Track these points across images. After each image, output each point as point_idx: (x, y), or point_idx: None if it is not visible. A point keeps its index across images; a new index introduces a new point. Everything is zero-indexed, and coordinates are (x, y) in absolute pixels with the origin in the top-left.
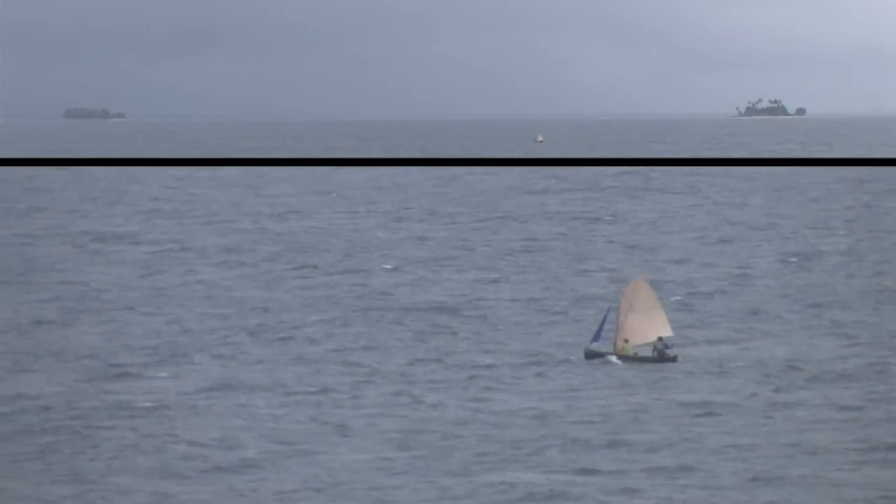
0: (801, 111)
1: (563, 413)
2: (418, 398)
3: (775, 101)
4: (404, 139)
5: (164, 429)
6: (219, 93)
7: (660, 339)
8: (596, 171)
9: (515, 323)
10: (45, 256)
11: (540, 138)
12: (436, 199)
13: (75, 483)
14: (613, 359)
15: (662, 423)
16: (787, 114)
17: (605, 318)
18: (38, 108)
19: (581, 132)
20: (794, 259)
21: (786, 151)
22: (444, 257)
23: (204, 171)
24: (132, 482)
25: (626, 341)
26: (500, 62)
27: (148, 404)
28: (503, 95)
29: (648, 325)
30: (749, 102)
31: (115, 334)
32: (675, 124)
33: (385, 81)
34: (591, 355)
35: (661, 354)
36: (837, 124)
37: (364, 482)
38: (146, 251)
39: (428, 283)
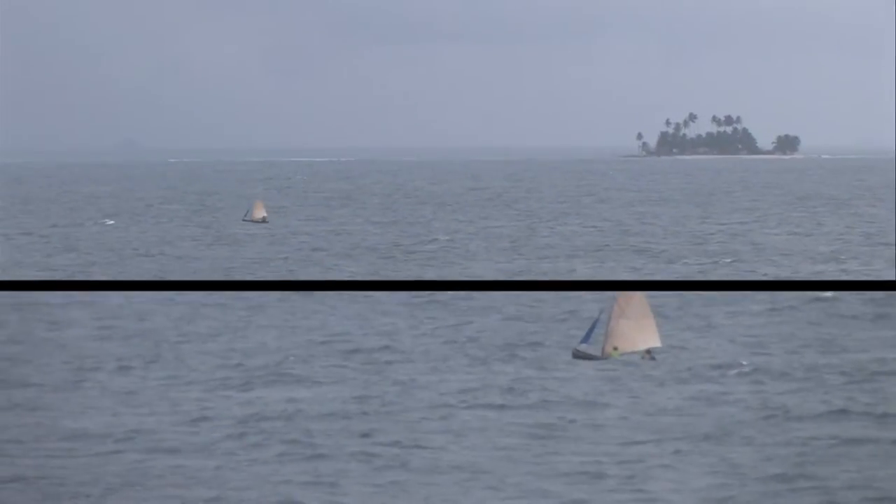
0: (787, 142)
1: None
2: None
3: (730, 122)
4: None
5: None
6: None
7: (647, 351)
8: None
9: None
10: None
11: None
12: None
13: None
14: None
15: None
16: (756, 147)
17: (597, 320)
18: None
19: None
20: None
21: None
22: None
23: None
24: None
25: (615, 349)
26: None
27: None
28: None
29: (638, 333)
30: (667, 124)
31: None
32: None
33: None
34: (578, 356)
35: None
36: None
37: None
38: None
39: None
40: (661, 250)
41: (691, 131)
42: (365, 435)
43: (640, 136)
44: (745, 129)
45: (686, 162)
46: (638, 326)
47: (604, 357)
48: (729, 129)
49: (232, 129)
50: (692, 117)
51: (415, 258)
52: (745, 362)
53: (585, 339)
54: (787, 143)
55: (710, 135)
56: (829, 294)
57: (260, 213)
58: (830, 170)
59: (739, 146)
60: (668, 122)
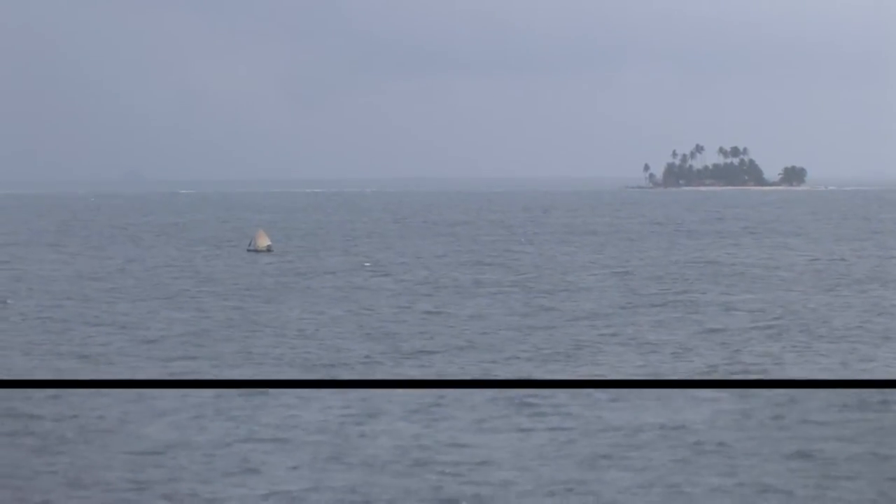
0: (794, 173)
1: None
2: None
3: (736, 153)
4: None
5: None
6: None
7: None
8: None
9: None
10: None
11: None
12: None
13: None
14: None
15: None
16: (763, 179)
17: None
18: None
19: None
20: None
21: None
22: None
23: None
24: None
25: None
26: None
27: None
28: None
29: None
30: (674, 155)
31: None
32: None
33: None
34: None
35: None
36: None
37: None
38: None
39: None
40: None
41: (698, 162)
42: None
43: (646, 168)
44: (751, 161)
45: (705, 193)
46: None
47: None
48: (735, 161)
49: (242, 161)
50: (699, 148)
51: None
52: None
53: None
54: (794, 175)
55: (716, 166)
56: None
57: (264, 241)
58: (858, 202)
59: (746, 178)
60: (674, 154)
